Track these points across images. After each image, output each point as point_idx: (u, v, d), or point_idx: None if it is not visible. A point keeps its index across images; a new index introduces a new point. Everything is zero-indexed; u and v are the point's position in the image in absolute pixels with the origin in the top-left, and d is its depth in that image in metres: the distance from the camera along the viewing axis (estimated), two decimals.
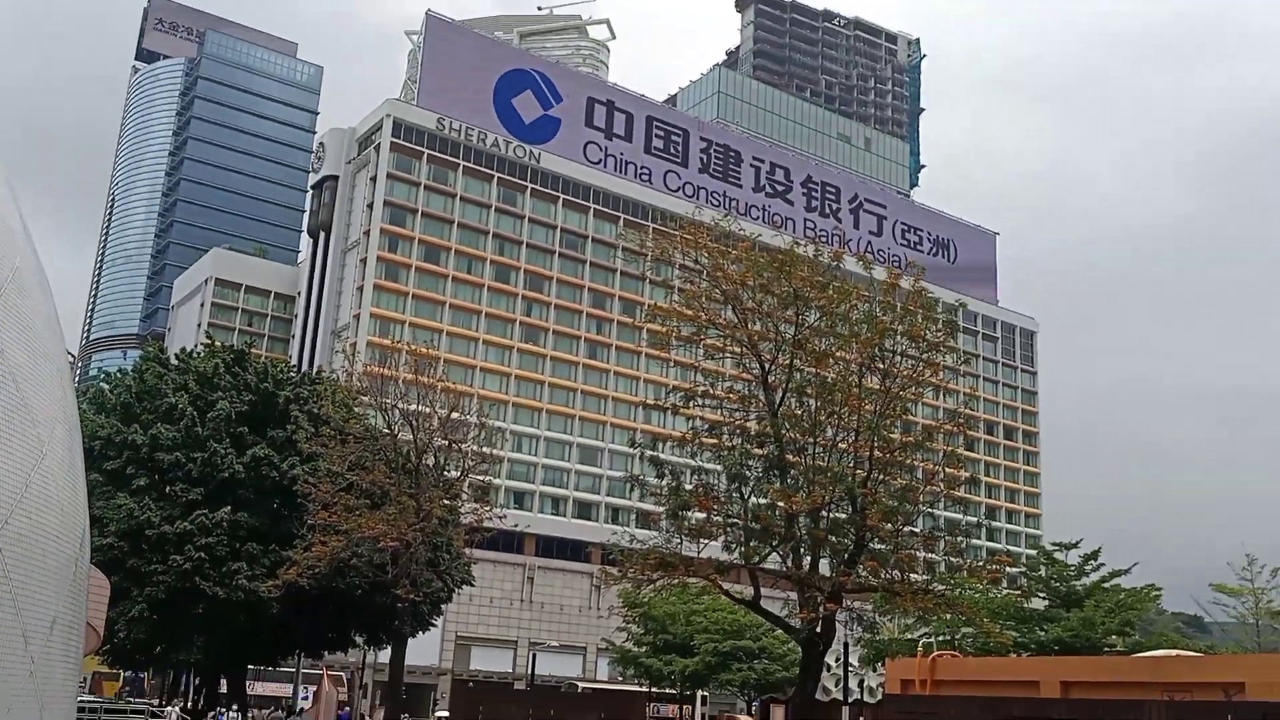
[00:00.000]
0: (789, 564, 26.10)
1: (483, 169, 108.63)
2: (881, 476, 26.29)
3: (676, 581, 28.87)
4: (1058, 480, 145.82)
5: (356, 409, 46.68)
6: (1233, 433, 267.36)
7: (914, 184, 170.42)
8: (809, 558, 26.06)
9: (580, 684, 74.21)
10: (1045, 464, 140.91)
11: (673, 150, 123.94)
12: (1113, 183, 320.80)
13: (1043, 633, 43.27)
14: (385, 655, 54.43)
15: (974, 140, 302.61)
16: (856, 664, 42.13)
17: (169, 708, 44.52)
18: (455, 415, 43.29)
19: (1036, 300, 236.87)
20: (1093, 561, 47.32)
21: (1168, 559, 62.17)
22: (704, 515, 26.67)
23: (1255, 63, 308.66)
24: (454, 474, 44.37)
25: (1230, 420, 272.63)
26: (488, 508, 45.99)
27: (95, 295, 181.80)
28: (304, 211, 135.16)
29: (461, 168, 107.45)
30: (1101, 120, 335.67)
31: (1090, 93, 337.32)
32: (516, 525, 55.24)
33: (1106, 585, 46.41)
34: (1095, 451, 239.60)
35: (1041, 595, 45.24)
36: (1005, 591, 44.65)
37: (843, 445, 26.71)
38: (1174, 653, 26.25)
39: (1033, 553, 50.80)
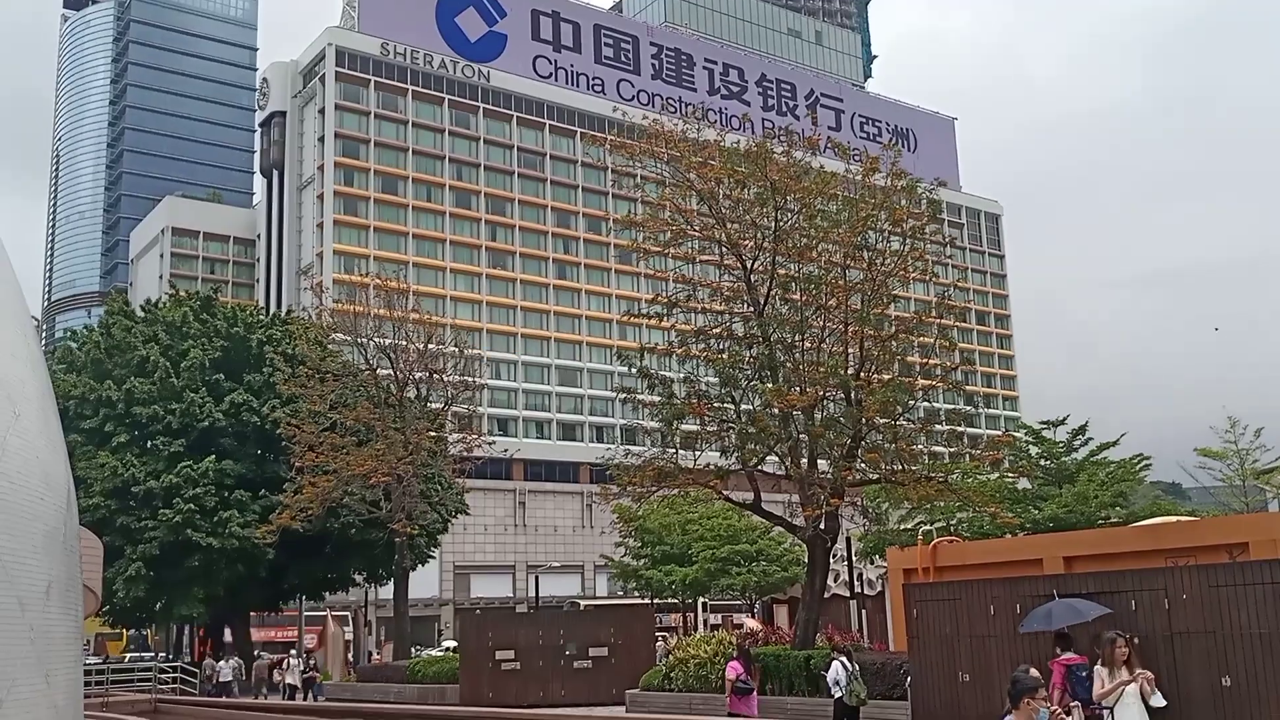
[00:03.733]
0: (788, 464, 25.76)
1: (432, 92, 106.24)
2: (874, 367, 25.91)
3: (677, 491, 28.58)
4: (1030, 363, 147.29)
5: (331, 347, 46.06)
6: (1189, 310, 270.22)
7: (868, 75, 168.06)
8: (807, 456, 25.75)
9: (582, 602, 74.82)
10: (1017, 346, 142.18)
11: (624, 58, 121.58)
12: (1063, 68, 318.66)
13: (1037, 511, 43.48)
14: (386, 591, 54.43)
15: (924, 28, 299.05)
16: (855, 558, 42.32)
17: (222, 663, 44.08)
18: (432, 346, 42.77)
19: (996, 185, 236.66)
20: (1081, 436, 47.53)
21: (1141, 432, 62.71)
22: (698, 423, 26.27)
23: None
24: (437, 405, 43.97)
25: (1186, 299, 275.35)
26: (475, 435, 45.68)
27: (51, 256, 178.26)
28: (254, 151, 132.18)
29: (410, 93, 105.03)
30: (1049, 3, 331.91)
31: None
32: (506, 451, 54.95)
33: (1096, 459, 46.65)
34: (1061, 333, 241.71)
35: (1035, 475, 45.45)
36: (996, 475, 44.77)
37: (832, 340, 26.25)
38: (1172, 519, 26.18)
39: (1018, 434, 50.93)
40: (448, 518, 49.71)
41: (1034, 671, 10.98)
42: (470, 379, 45.56)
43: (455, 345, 45.13)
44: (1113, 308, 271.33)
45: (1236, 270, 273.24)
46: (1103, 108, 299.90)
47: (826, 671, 19.49)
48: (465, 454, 44.26)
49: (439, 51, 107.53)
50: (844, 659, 19.24)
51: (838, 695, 19.00)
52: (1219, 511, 48.11)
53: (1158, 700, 13.06)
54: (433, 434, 41.62)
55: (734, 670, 19.57)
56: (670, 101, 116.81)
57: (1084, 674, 13.95)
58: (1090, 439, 47.44)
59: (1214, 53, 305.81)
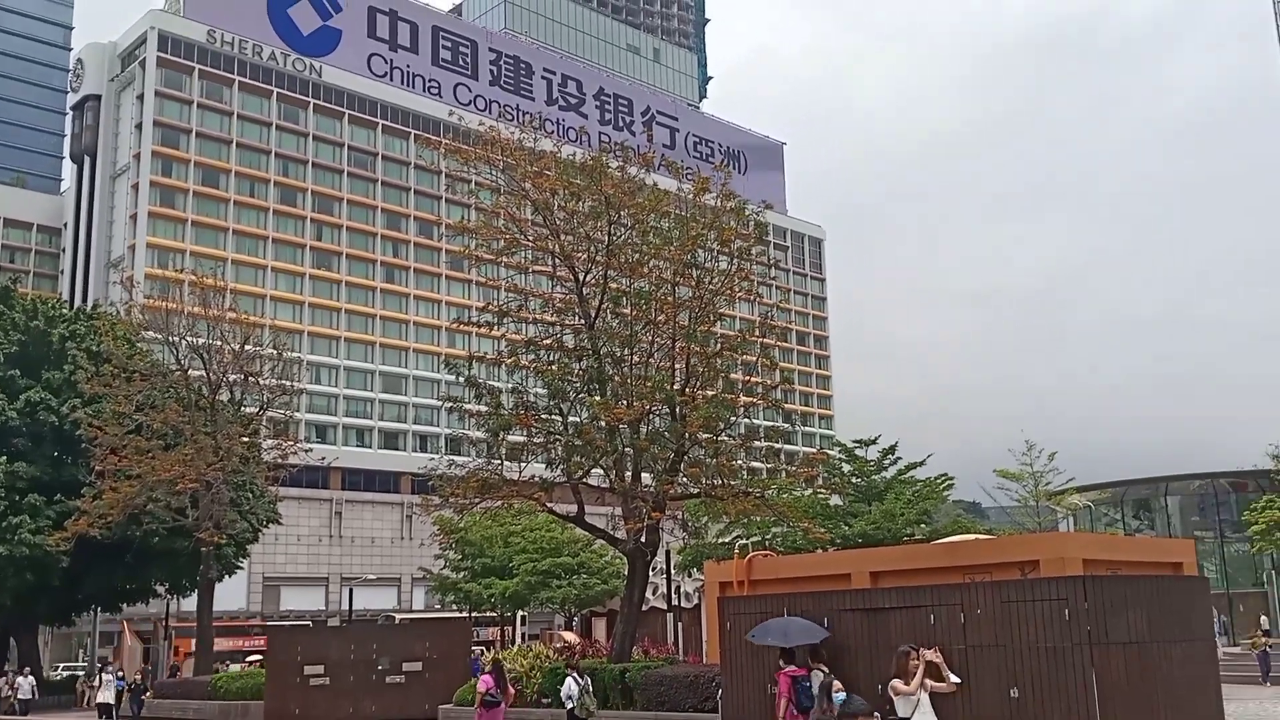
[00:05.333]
0: (612, 477, 25.94)
1: (260, 84, 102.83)
2: (699, 383, 26.37)
3: (500, 503, 28.38)
4: (850, 383, 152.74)
5: (140, 345, 44.01)
6: (998, 331, 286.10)
7: (703, 96, 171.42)
8: (631, 469, 25.98)
9: (398, 615, 73.38)
10: (835, 367, 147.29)
11: (462, 62, 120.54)
12: (891, 92, 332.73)
13: (848, 527, 45.03)
14: (189, 603, 52.20)
15: (757, 51, 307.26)
16: (673, 571, 42.89)
17: (20, 678, 41.20)
18: (249, 347, 41.32)
19: (824, 208, 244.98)
20: (890, 456, 49.50)
21: (948, 453, 65.77)
22: (525, 434, 26.18)
23: None
24: (252, 409, 42.52)
25: (994, 319, 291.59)
26: (291, 442, 44.31)
27: None
28: (64, 135, 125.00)
29: (237, 83, 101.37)
30: (881, 28, 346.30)
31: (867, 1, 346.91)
32: (323, 459, 53.41)
33: (904, 478, 48.64)
34: (876, 354, 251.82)
35: (848, 492, 47.11)
36: (811, 491, 46.17)
37: (659, 355, 26.61)
38: (970, 537, 27.51)
39: (832, 452, 52.70)
40: (258, 527, 48.22)
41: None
42: (288, 383, 44.22)
43: (274, 347, 43.74)
44: (932, 329, 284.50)
45: (1050, 291, 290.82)
46: (931, 133, 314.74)
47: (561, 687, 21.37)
48: (280, 461, 42.91)
49: (269, 43, 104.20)
50: (576, 674, 21.05)
51: (570, 708, 20.58)
52: (1014, 530, 50.80)
53: (954, 679, 14.09)
54: (246, 439, 40.26)
55: (485, 684, 20.97)
56: (508, 109, 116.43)
57: (806, 684, 15.44)
58: (899, 458, 49.50)
59: (1038, 78, 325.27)
